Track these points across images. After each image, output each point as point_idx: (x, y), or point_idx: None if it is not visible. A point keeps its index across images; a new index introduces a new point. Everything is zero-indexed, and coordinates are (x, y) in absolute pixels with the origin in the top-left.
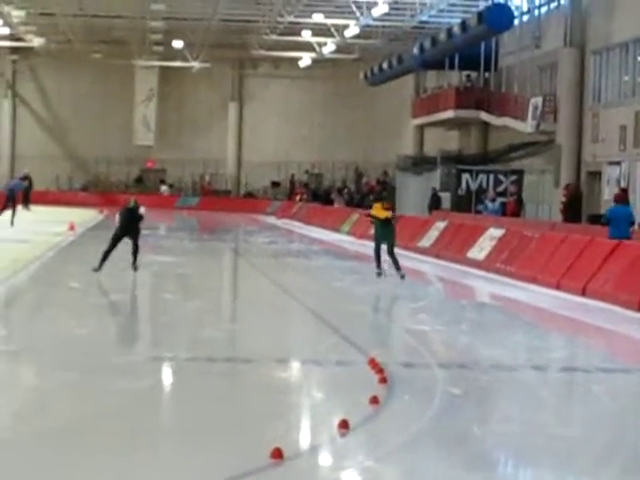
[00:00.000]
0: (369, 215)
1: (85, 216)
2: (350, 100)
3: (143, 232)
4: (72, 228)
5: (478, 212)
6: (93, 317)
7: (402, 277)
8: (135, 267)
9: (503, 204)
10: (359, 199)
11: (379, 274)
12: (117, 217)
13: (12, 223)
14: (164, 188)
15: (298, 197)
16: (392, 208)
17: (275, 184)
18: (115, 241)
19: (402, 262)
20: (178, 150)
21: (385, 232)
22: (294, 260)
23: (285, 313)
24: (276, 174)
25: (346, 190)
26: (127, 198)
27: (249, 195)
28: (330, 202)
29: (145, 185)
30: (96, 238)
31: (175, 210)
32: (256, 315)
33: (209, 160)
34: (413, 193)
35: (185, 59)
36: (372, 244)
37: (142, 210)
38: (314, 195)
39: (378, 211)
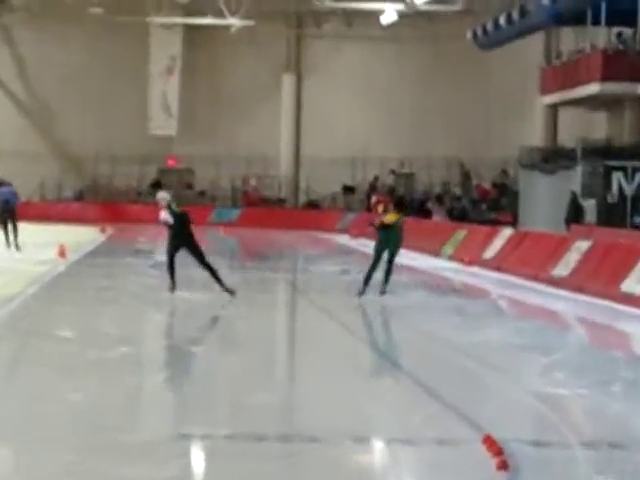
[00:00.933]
0: (381, 223)
1: (80, 236)
2: (453, 70)
3: (161, 257)
4: (62, 254)
5: (636, 227)
6: (92, 378)
7: (382, 293)
8: (228, 289)
9: None
10: (466, 209)
11: (361, 294)
12: (166, 216)
13: (18, 247)
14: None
15: (381, 207)
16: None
17: (348, 189)
18: (172, 254)
19: (530, 297)
20: (211, 143)
21: (390, 237)
22: (375, 297)
23: (362, 371)
24: (350, 175)
25: (449, 197)
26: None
27: (312, 205)
28: (426, 214)
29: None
30: (96, 268)
31: (208, 226)
32: (322, 375)
33: (254, 157)
34: (543, 200)
35: (220, 15)
36: (484, 272)
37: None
38: (403, 204)
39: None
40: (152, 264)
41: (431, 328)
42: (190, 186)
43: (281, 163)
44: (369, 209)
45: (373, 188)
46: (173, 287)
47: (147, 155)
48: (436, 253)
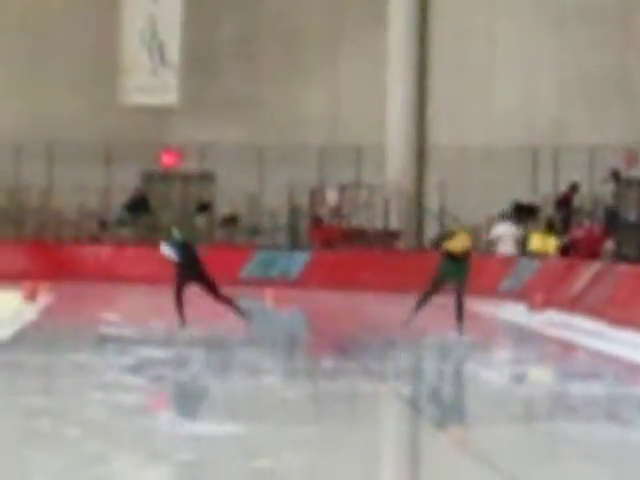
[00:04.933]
0: (437, 248)
1: None
2: None
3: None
4: None
5: None
6: None
7: (460, 334)
8: (243, 314)
9: None
10: None
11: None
12: (168, 250)
13: None
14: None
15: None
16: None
17: (525, 212)
18: (180, 287)
19: None
20: (249, 120)
21: (456, 269)
22: (587, 431)
23: None
24: (526, 184)
25: None
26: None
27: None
28: None
29: (153, 217)
30: (21, 373)
31: (240, 287)
32: None
33: (334, 148)
34: None
35: None
36: None
37: None
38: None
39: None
40: (132, 365)
41: None
42: (205, 207)
43: (388, 160)
44: (565, 249)
45: (564, 204)
46: (183, 322)
47: (118, 146)
48: None
